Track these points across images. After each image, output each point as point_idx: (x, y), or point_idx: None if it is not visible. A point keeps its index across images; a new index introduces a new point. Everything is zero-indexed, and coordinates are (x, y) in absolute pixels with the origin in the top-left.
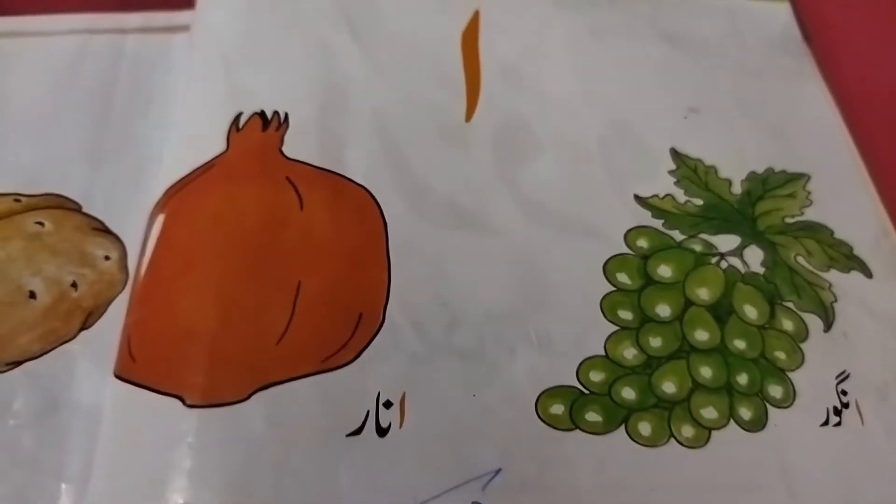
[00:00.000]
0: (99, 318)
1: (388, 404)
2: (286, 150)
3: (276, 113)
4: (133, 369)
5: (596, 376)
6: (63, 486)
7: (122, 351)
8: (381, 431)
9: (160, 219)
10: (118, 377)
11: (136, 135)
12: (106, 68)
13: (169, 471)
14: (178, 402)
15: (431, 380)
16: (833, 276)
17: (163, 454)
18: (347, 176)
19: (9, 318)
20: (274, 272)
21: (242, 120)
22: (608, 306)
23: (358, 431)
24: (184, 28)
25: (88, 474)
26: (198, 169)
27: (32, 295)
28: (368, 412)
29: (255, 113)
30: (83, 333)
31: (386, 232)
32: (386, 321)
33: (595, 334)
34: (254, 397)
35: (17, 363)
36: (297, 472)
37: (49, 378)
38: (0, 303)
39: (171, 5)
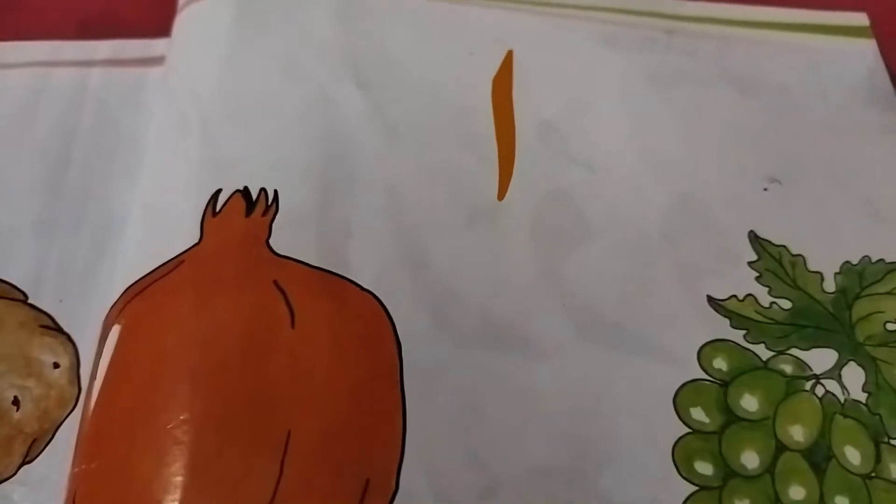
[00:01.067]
0: (44, 447)
1: None
2: (275, 242)
3: (262, 191)
4: None
5: None
6: None
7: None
8: None
9: (115, 331)
10: None
11: (97, 197)
12: (65, 111)
13: None
14: None
15: None
16: None
17: None
18: (351, 279)
19: None
20: (256, 416)
21: (221, 200)
22: (683, 457)
23: None
24: (159, 60)
25: None
26: (164, 265)
27: None
28: None
29: (237, 191)
30: (24, 469)
31: (400, 357)
32: (400, 490)
33: (669, 497)
34: None
35: None
36: None
37: None
38: None
39: (148, 31)
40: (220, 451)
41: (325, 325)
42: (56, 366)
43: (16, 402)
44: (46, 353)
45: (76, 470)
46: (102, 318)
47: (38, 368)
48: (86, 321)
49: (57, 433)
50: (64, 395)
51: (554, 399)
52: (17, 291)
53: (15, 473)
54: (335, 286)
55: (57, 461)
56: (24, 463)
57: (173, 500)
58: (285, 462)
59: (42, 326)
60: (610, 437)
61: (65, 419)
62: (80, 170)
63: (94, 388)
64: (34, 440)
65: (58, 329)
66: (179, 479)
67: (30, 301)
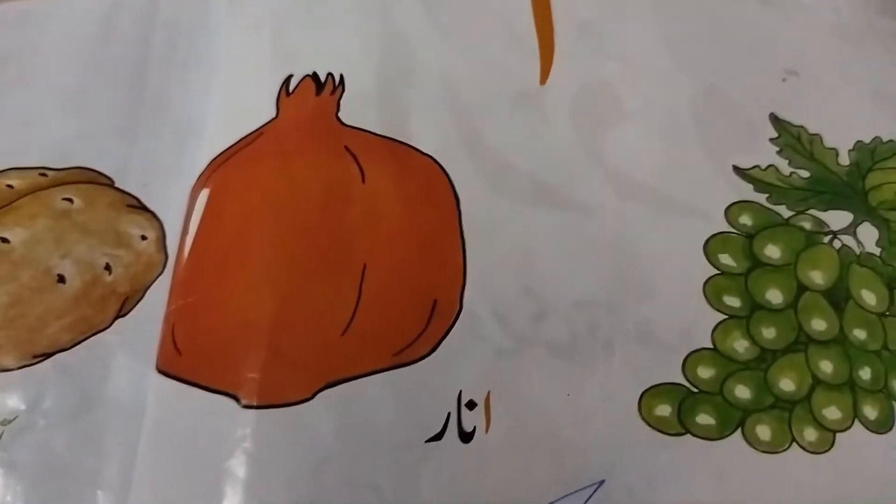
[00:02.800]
0: (136, 304)
1: (471, 405)
2: (343, 116)
3: (330, 75)
4: (179, 363)
5: (705, 372)
6: (100, 494)
7: (166, 342)
8: (465, 436)
9: (204, 193)
10: (162, 372)
11: (174, 105)
12: (139, 30)
13: (223, 481)
14: (232, 402)
15: (519, 377)
16: None
17: (215, 461)
18: (413, 146)
19: (36, 304)
20: (335, 254)
21: (293, 83)
22: (713, 292)
23: (439, 436)
24: None
25: (129, 483)
26: (245, 138)
27: (61, 279)
28: (449, 414)
29: (307, 75)
30: (119, 322)
31: (459, 209)
32: (464, 310)
33: (701, 324)
34: (318, 397)
35: (47, 355)
36: (371, 485)
37: (82, 372)
38: (26, 288)
39: None
40: (304, 281)
41: (391, 181)
42: (143, 238)
43: (108, 267)
44: (134, 227)
45: (173, 307)
46: (186, 195)
47: (127, 240)
48: (169, 201)
49: (147, 293)
50: (152, 261)
51: (597, 246)
52: (104, 178)
53: (111, 325)
54: (399, 150)
55: (147, 314)
56: (117, 317)
57: (267, 322)
58: (362, 289)
59: (129, 206)
60: (647, 276)
61: (154, 281)
62: (157, 81)
63: (185, 244)
64: (126, 299)
65: (143, 208)
66: (271, 303)
67: (117, 185)
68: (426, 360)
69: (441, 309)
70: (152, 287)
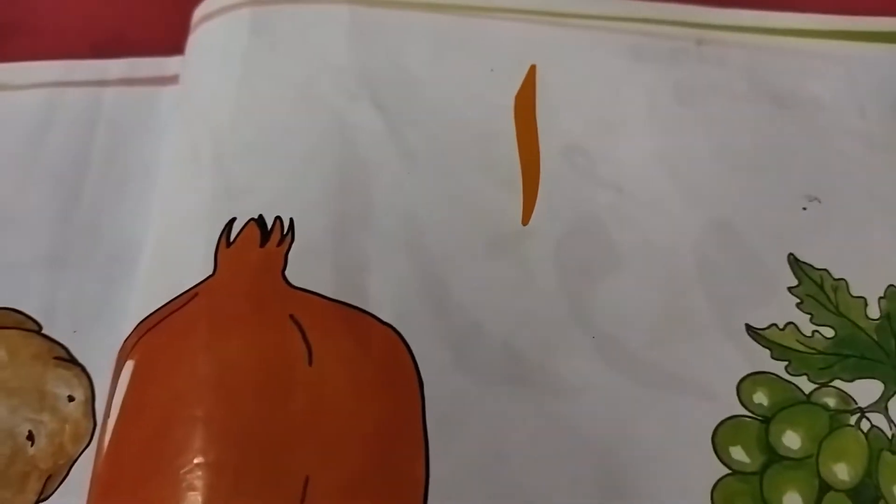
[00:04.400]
0: (59, 484)
1: None
2: (290, 273)
3: (278, 220)
4: None
5: None
6: None
7: None
8: None
9: (129, 367)
10: None
11: (109, 224)
12: (78, 134)
13: None
14: None
15: None
16: None
17: None
18: (370, 311)
19: None
20: (272, 463)
21: (235, 230)
22: (723, 500)
23: None
24: (173, 79)
25: None
26: (178, 297)
27: None
28: None
29: (252, 219)
30: None
31: (422, 395)
32: None
33: None
34: None
35: None
36: None
37: None
38: None
39: (162, 51)
40: (234, 499)
41: (343, 362)
42: (71, 399)
43: (30, 436)
44: (61, 385)
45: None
46: (117, 349)
47: (52, 402)
48: (100, 352)
49: (72, 469)
50: (79, 430)
51: (581, 439)
52: (31, 322)
53: None
54: (354, 320)
55: (72, 499)
56: (38, 501)
57: None
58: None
59: (56, 358)
60: (642, 480)
61: (80, 454)
62: (91, 200)
63: (107, 427)
64: (49, 476)
65: (72, 360)
66: None
67: (44, 331)
68: None
69: None
70: (77, 463)
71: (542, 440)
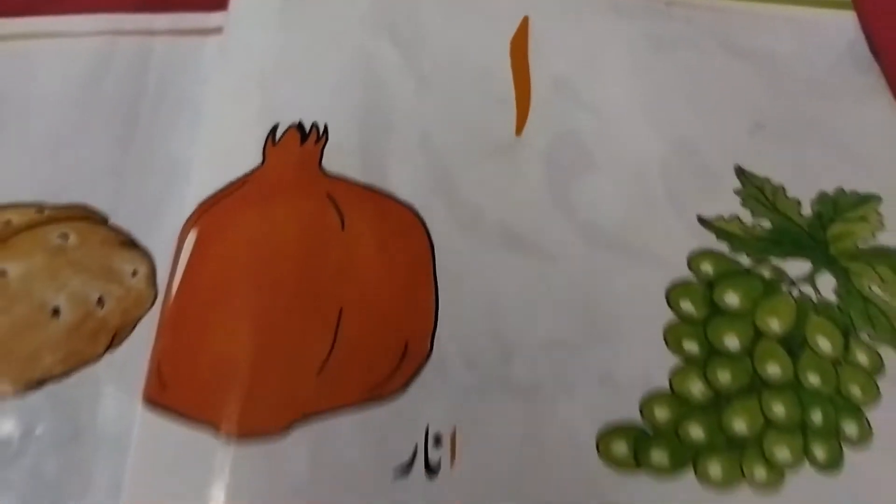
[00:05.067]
0: (126, 338)
1: (437, 439)
2: (326, 165)
3: (314, 125)
4: (163, 395)
5: (661, 414)
6: None
7: (152, 376)
8: (431, 470)
9: (192, 236)
10: (147, 403)
11: (164, 149)
12: (133, 74)
13: None
14: (212, 434)
15: (485, 416)
16: None
17: (197, 490)
18: (392, 193)
19: (31, 338)
20: (314, 298)
21: (279, 133)
22: (672, 337)
23: (406, 469)
24: (216, 31)
25: None
26: (231, 184)
27: (56, 312)
28: (417, 446)
29: (293, 125)
30: (109, 355)
31: (433, 254)
32: (434, 351)
33: (659, 367)
34: (295, 433)
35: (40, 385)
36: None
37: (73, 403)
38: (22, 321)
39: (203, 6)
40: (282, 324)
41: (370, 228)
42: (135, 273)
43: (100, 301)
44: (126, 263)
45: (160, 345)
46: (175, 234)
47: (118, 276)
48: (160, 237)
49: (136, 327)
50: (142, 297)
51: (562, 291)
52: (98, 214)
53: (101, 358)
54: (378, 197)
55: (135, 348)
56: (107, 350)
57: (246, 360)
58: (338, 332)
59: (121, 242)
60: (610, 320)
61: (143, 316)
62: (147, 123)
63: (174, 283)
64: (116, 332)
65: (135, 245)
66: (251, 344)
67: (110, 222)
68: (396, 396)
69: (412, 351)
70: (141, 322)
71: (530, 291)
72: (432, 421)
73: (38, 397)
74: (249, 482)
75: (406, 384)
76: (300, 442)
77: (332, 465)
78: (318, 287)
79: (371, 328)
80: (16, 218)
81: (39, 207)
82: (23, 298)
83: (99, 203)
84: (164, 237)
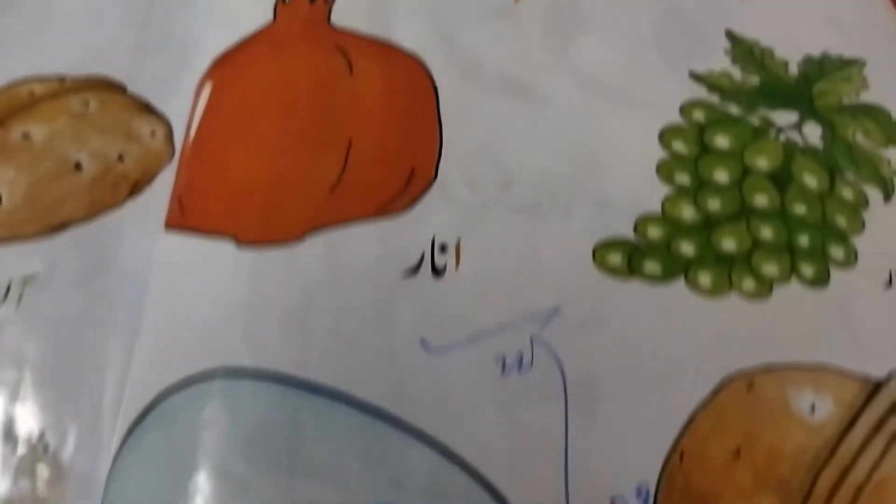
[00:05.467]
0: (146, 187)
1: (443, 247)
2: (334, 19)
3: None
4: (184, 220)
5: (654, 232)
6: (111, 340)
7: (173, 206)
8: (437, 272)
9: (208, 87)
10: (168, 229)
11: (181, 25)
12: None
13: (225, 311)
14: (231, 244)
15: (487, 230)
16: (892, 153)
17: (217, 295)
18: (398, 45)
19: (55, 189)
20: (325, 131)
21: None
22: (665, 171)
23: (414, 271)
24: None
25: (138, 328)
26: (243, 40)
27: (78, 167)
28: (424, 253)
29: None
30: (130, 201)
31: (436, 96)
32: (438, 177)
33: (651, 195)
34: (309, 239)
35: (64, 227)
36: (356, 313)
37: (96, 241)
38: (46, 174)
39: None
40: (297, 151)
41: (377, 73)
42: (153, 134)
43: (120, 158)
44: (144, 125)
45: (179, 181)
46: (191, 99)
47: (137, 136)
48: (176, 104)
49: (156, 178)
50: (161, 154)
51: (559, 130)
52: (117, 83)
53: (123, 203)
54: (384, 48)
55: (156, 195)
56: (128, 198)
57: (264, 179)
58: (348, 158)
59: (140, 108)
60: (605, 156)
61: (162, 169)
62: (164, 4)
63: (191, 129)
64: (136, 183)
65: (153, 111)
66: (268, 166)
67: (129, 91)
68: (404, 212)
69: (418, 175)
70: (161, 174)
71: (528, 129)
72: (438, 233)
73: (63, 238)
74: (267, 285)
75: (413, 202)
76: (314, 246)
77: (344, 266)
78: (328, 121)
79: (379, 155)
80: (39, 88)
81: (61, 79)
82: (47, 155)
83: (118, 75)
84: (181, 103)
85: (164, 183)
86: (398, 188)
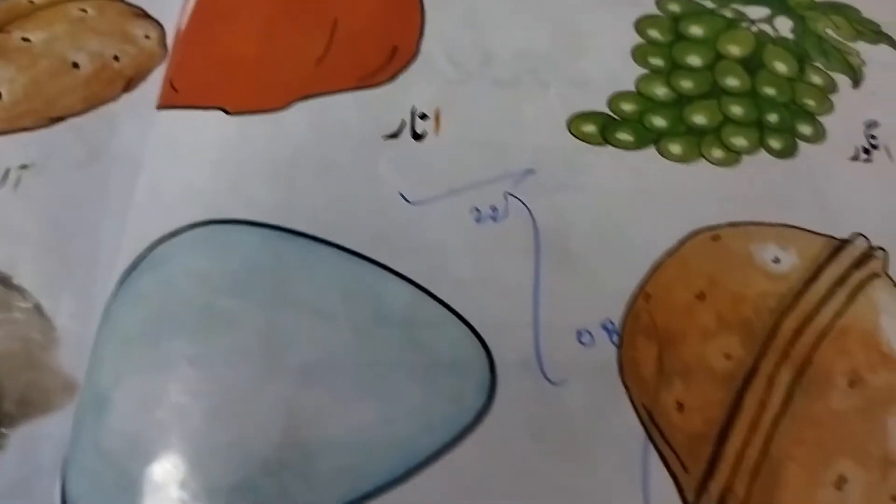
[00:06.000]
0: (140, 83)
1: (423, 116)
2: None
3: None
4: (176, 98)
5: (627, 106)
6: (105, 221)
7: (165, 88)
8: (418, 137)
9: None
10: (161, 108)
11: None
12: None
13: (214, 170)
14: (221, 114)
15: (466, 100)
16: (861, 46)
17: (207, 157)
18: None
19: (53, 85)
20: (311, 11)
21: None
22: (639, 55)
23: (395, 135)
24: None
25: (132, 200)
26: None
27: (76, 65)
28: (404, 121)
29: None
30: (125, 95)
31: None
32: (421, 53)
33: (626, 76)
34: (295, 106)
35: (61, 119)
36: (339, 169)
37: (92, 131)
38: (45, 72)
39: None
40: (285, 29)
41: None
42: (147, 36)
43: (116, 58)
44: (139, 29)
45: (171, 64)
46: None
47: (132, 38)
48: (169, 10)
49: (150, 76)
50: (154, 54)
51: (539, 16)
52: None
53: (118, 98)
54: None
55: (150, 88)
56: (123, 92)
57: (252, 53)
58: (334, 35)
59: (135, 14)
60: (583, 41)
61: (156, 68)
62: None
63: (184, 17)
64: (131, 79)
65: (147, 16)
66: (257, 42)
67: None
68: (387, 84)
69: (401, 51)
70: (154, 72)
71: (510, 13)
72: (419, 104)
73: (60, 129)
74: (256, 148)
75: (394, 76)
76: (301, 112)
77: (327, 130)
78: (314, 2)
79: (362, 34)
80: None
81: None
82: (45, 56)
83: None
84: (173, 9)
85: (158, 79)
86: (381, 63)
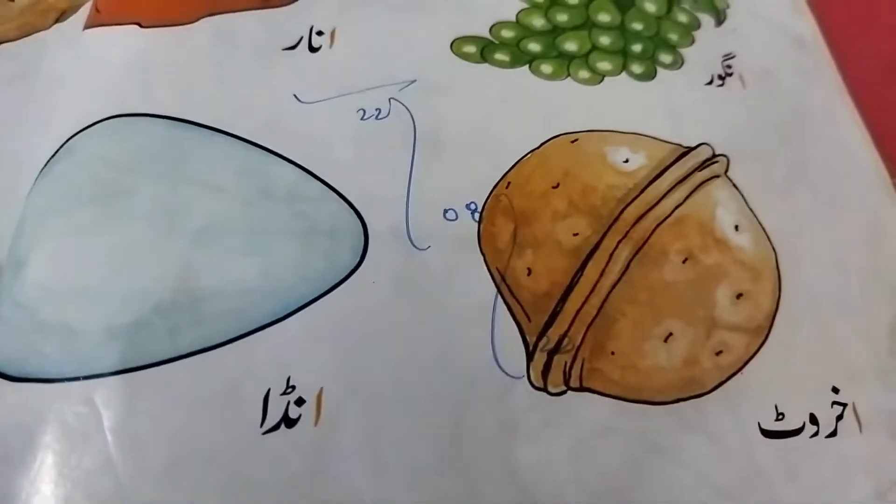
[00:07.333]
0: (71, 15)
1: (320, 32)
2: None
3: None
4: (99, 17)
5: (506, 33)
6: (34, 129)
7: (91, 12)
8: (313, 49)
9: None
10: (86, 29)
11: None
12: None
13: (125, 71)
14: (135, 27)
15: (360, 20)
16: None
17: (119, 69)
18: None
19: None
20: None
21: None
22: None
23: (292, 48)
24: None
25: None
26: None
27: None
28: (302, 36)
29: None
30: (57, 25)
31: None
32: None
33: (508, 8)
34: (202, 21)
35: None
36: (238, 73)
37: (24, 53)
38: None
39: None
40: None
41: None
42: None
43: None
44: None
45: None
46: None
47: None
48: None
49: (81, 8)
50: None
51: None
52: None
53: (50, 27)
54: None
55: (79, 18)
56: (55, 23)
57: None
58: None
59: None
60: None
61: (87, 2)
62: None
63: None
64: (64, 10)
65: None
66: None
67: None
68: (290, 4)
69: None
70: (85, 5)
71: None
72: (316, 23)
73: None
74: (162, 51)
75: None
76: (206, 25)
77: (230, 42)
78: None
79: None
80: None
81: None
82: None
83: None
84: None
85: (87, 9)
86: None
